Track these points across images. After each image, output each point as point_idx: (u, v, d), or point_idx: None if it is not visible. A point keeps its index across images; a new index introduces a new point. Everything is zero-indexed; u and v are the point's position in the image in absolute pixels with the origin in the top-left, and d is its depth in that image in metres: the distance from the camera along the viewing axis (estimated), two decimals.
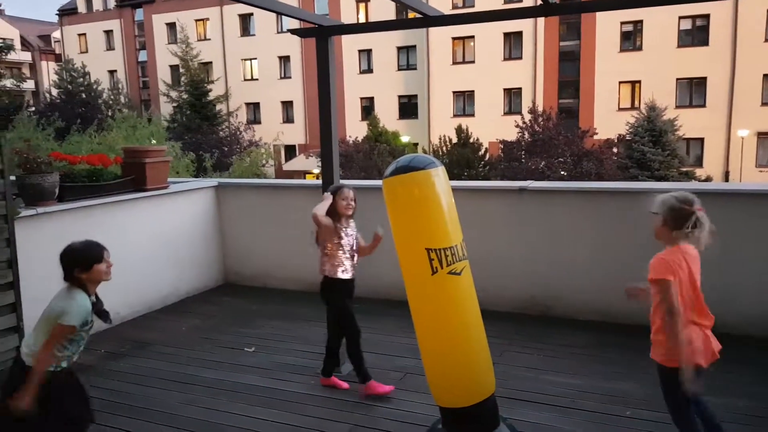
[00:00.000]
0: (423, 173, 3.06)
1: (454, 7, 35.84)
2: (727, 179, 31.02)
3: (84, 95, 43.51)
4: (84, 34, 51.00)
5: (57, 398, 2.95)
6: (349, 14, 38.79)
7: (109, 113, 34.62)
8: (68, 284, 2.97)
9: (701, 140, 31.74)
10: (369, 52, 39.68)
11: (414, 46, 38.32)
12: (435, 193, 3.08)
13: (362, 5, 39.50)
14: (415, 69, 38.70)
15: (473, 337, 3.19)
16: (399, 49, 38.92)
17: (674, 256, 2.88)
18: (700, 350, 2.91)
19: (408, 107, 39.39)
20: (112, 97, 44.66)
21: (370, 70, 40.16)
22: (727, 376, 4.35)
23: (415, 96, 38.93)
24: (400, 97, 39.50)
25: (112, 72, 49.76)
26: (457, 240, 3.13)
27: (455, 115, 36.76)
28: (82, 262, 2.93)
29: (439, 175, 3.10)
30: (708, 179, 28.85)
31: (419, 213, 3.09)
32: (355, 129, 36.06)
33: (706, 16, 30.91)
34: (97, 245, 3.03)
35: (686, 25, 31.74)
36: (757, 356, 4.70)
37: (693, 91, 32.12)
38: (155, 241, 6.38)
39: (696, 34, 31.74)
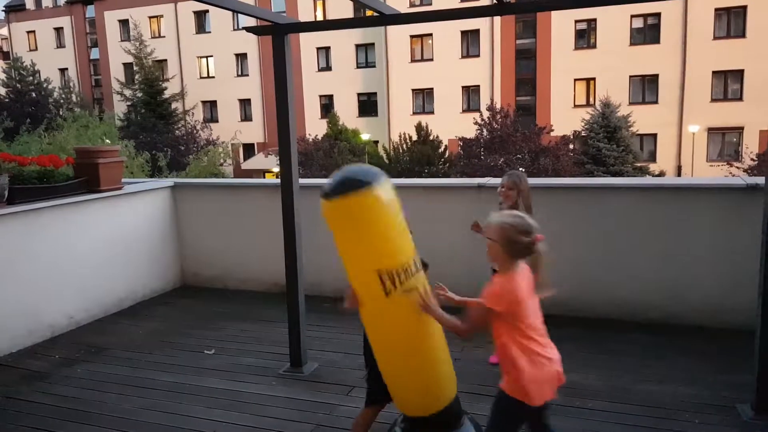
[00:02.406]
0: (365, 195, 2.75)
1: (411, 5, 35.97)
2: (679, 174, 31.89)
3: (34, 94, 42.30)
4: (33, 32, 49.64)
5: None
6: (306, 12, 38.60)
7: (60, 112, 33.64)
8: None
9: (654, 136, 32.57)
10: (327, 49, 39.55)
11: (373, 44, 38.36)
12: (379, 213, 2.82)
13: (320, 3, 39.34)
14: (374, 67, 38.74)
15: (435, 348, 3.12)
16: (357, 46, 38.90)
17: (513, 284, 2.67)
18: (546, 382, 2.72)
19: (367, 105, 39.40)
20: (63, 95, 43.48)
21: (328, 68, 40.04)
22: (676, 365, 4.49)
23: (375, 94, 38.97)
24: (359, 94, 39.49)
25: (63, 70, 48.53)
26: (409, 256, 2.95)
27: (415, 113, 36.94)
28: None
29: (382, 190, 2.81)
30: (661, 174, 29.65)
31: (364, 235, 2.84)
32: (315, 127, 35.93)
33: (657, 15, 31.72)
34: None
35: (638, 23, 32.51)
36: (706, 346, 4.84)
37: (646, 87, 32.94)
38: (110, 244, 6.24)
39: (647, 33, 32.55)
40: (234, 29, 40.75)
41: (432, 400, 3.17)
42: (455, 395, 3.28)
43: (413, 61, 37.42)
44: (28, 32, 49.85)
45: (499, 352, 2.75)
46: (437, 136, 31.09)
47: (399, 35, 36.63)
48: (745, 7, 30.44)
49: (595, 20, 32.91)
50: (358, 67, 39.38)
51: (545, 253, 2.72)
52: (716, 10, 30.95)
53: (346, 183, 2.78)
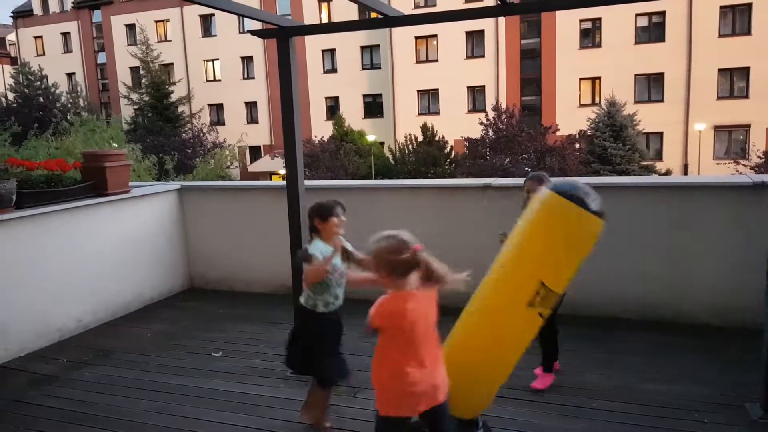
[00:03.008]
0: (597, 222, 3.01)
1: (416, 6, 35.97)
2: (686, 172, 31.76)
3: (41, 99, 42.50)
4: (40, 37, 49.83)
5: (310, 332, 3.57)
6: (311, 14, 38.65)
7: (67, 117, 33.73)
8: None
9: (660, 134, 32.44)
10: (333, 51, 39.59)
11: (378, 46, 38.35)
12: (582, 241, 3.05)
13: (324, 5, 39.40)
14: (379, 68, 38.74)
15: (511, 363, 3.34)
16: (363, 48, 38.91)
17: (397, 305, 2.66)
18: (420, 395, 2.72)
19: (373, 106, 39.41)
20: (70, 100, 43.67)
21: (334, 70, 40.07)
22: (682, 364, 4.48)
23: (380, 95, 38.97)
24: (364, 96, 39.49)
25: (70, 75, 48.71)
26: (562, 289, 3.15)
27: (420, 114, 36.93)
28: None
29: (600, 228, 3.05)
30: (668, 172, 29.52)
31: (562, 248, 3.02)
32: (321, 129, 35.96)
33: (662, 13, 31.60)
34: (335, 202, 3.52)
35: (643, 22, 32.40)
36: (713, 344, 4.82)
37: (651, 86, 32.82)
38: (117, 247, 6.27)
39: (653, 31, 32.44)
40: (240, 32, 40.83)
41: (473, 408, 3.35)
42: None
43: (418, 62, 37.42)
44: (36, 37, 50.06)
45: (375, 361, 2.79)
46: (443, 137, 31.08)
47: (404, 36, 36.62)
48: (750, 5, 30.29)
49: (599, 19, 32.83)
50: (363, 69, 39.39)
51: (430, 257, 2.69)
52: (721, 7, 30.80)
53: (589, 201, 3.05)
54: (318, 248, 3.43)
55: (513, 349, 3.25)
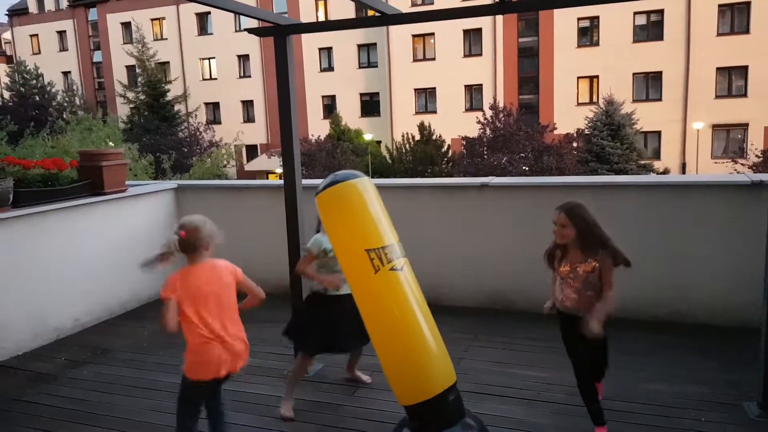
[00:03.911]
0: (348, 184, 3.29)
1: (413, 4, 35.95)
2: (684, 171, 31.81)
3: (37, 98, 42.41)
4: (36, 35, 49.72)
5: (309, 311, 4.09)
6: (308, 12, 38.61)
7: (63, 116, 33.64)
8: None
9: (658, 133, 32.49)
10: (329, 50, 39.56)
11: (375, 44, 38.34)
12: (363, 200, 3.29)
13: (321, 3, 39.35)
14: (376, 67, 38.71)
15: (425, 326, 3.22)
16: (359, 46, 38.89)
17: (177, 277, 3.27)
18: (217, 363, 3.26)
19: (370, 105, 39.38)
20: (66, 99, 43.58)
21: (330, 68, 40.04)
22: (681, 362, 4.48)
23: (377, 93, 38.95)
24: (361, 94, 39.47)
25: (66, 73, 48.59)
26: (394, 239, 3.25)
27: (417, 112, 36.92)
28: None
29: (364, 184, 3.34)
30: (666, 171, 29.56)
31: (352, 219, 3.27)
32: (318, 127, 35.94)
33: (660, 12, 31.63)
34: None
35: (641, 20, 32.44)
36: (711, 343, 4.83)
37: (649, 85, 32.86)
38: (114, 246, 6.25)
39: (651, 29, 32.46)
40: (236, 31, 40.79)
41: (425, 383, 3.15)
42: (454, 383, 3.24)
43: (415, 60, 37.40)
44: (31, 36, 49.95)
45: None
46: (440, 136, 31.07)
47: (401, 35, 36.61)
48: (748, 3, 30.34)
49: (597, 18, 32.84)
50: (360, 68, 39.37)
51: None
52: (719, 6, 30.85)
53: (330, 180, 3.37)
54: (317, 242, 3.89)
55: (401, 317, 3.18)
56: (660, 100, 32.42)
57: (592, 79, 33.79)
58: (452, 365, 3.25)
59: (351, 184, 3.30)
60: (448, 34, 35.39)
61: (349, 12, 35.63)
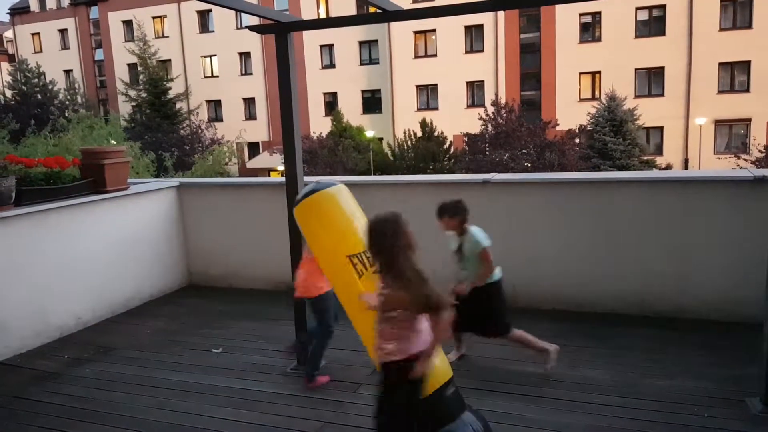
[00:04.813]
0: (324, 193, 3.43)
1: (414, 1, 35.89)
2: (686, 167, 31.70)
3: (39, 96, 42.40)
4: (38, 34, 49.73)
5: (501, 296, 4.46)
6: (309, 10, 38.55)
7: (65, 114, 33.64)
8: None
9: (661, 129, 32.39)
10: (331, 47, 39.50)
11: (376, 41, 38.27)
12: (340, 208, 3.44)
13: (322, 0, 39.28)
14: (378, 63, 38.64)
15: None
16: (361, 43, 38.83)
17: None
18: None
19: (372, 102, 39.33)
20: (68, 97, 43.58)
21: (332, 65, 39.98)
22: (683, 359, 4.48)
23: (379, 90, 38.89)
24: (363, 91, 39.41)
25: (68, 72, 48.55)
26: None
27: (419, 109, 36.87)
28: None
29: (341, 192, 3.47)
30: (668, 167, 29.50)
31: (328, 225, 3.40)
32: (319, 125, 35.91)
33: (662, 7, 31.53)
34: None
35: (643, 15, 32.32)
36: (714, 339, 4.82)
37: (651, 80, 32.74)
38: (116, 244, 6.27)
39: (653, 25, 32.34)
40: (237, 28, 40.75)
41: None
42: (449, 382, 3.23)
43: (417, 57, 37.32)
44: (33, 34, 49.96)
45: None
46: (442, 132, 31.04)
47: (402, 31, 36.52)
48: None
49: (599, 13, 32.73)
50: (361, 64, 39.30)
51: None
52: (722, 1, 30.73)
53: (307, 191, 3.49)
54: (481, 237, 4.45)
55: None
56: (662, 95, 32.32)
57: (594, 75, 33.69)
58: (448, 361, 3.31)
59: (323, 194, 3.43)
60: (450, 30, 35.31)
61: (350, 9, 35.56)
